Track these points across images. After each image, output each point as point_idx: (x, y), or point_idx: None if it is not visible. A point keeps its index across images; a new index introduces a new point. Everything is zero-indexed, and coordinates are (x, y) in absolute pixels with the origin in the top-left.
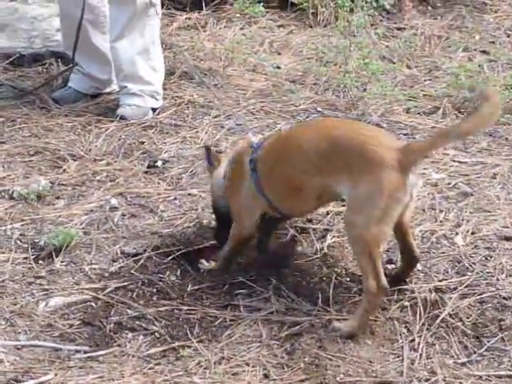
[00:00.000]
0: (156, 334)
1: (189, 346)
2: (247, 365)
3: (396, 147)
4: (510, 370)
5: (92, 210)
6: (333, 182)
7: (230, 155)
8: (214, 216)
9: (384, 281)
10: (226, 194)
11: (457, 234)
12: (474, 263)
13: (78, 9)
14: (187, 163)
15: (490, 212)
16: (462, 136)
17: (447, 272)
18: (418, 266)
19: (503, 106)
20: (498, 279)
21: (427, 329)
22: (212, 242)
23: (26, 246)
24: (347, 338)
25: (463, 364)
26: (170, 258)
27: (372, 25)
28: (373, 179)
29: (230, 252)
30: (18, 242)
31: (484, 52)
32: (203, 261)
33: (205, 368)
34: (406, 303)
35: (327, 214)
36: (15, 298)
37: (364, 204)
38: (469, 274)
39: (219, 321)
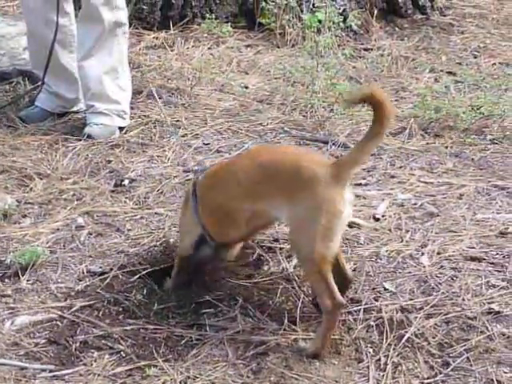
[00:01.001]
0: (122, 353)
1: (155, 366)
2: None
3: (328, 163)
4: None
5: (58, 229)
6: (268, 207)
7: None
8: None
9: (339, 297)
10: (179, 218)
11: (423, 254)
12: (439, 283)
13: (47, 28)
14: (154, 182)
15: (455, 232)
16: (380, 138)
17: (413, 292)
18: (385, 286)
19: (470, 126)
20: (463, 299)
21: (393, 348)
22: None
23: None
24: (312, 357)
25: None
26: (137, 276)
27: (339, 45)
28: (309, 196)
29: (175, 270)
30: None
31: (450, 73)
32: (168, 278)
33: None
34: (372, 323)
35: None
36: None
37: (305, 223)
38: (434, 293)
39: (185, 340)
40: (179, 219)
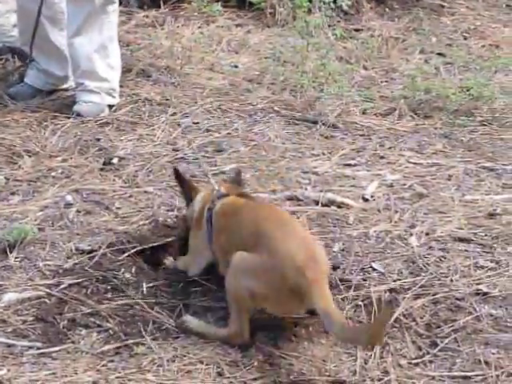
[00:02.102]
0: (110, 331)
1: (142, 344)
2: (201, 363)
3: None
4: (462, 371)
5: (47, 206)
6: None
7: (202, 194)
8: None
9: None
10: (191, 231)
11: (411, 234)
12: (428, 264)
13: (35, 4)
14: (143, 161)
15: (444, 213)
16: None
17: (401, 272)
18: (374, 266)
19: (459, 108)
20: (451, 280)
21: None
22: (168, 240)
23: None
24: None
25: (416, 364)
26: (125, 255)
27: (329, 26)
28: None
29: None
30: None
31: (440, 54)
32: (170, 258)
33: (158, 365)
34: (360, 303)
35: None
36: None
37: None
38: (423, 274)
39: (173, 319)
40: (190, 237)
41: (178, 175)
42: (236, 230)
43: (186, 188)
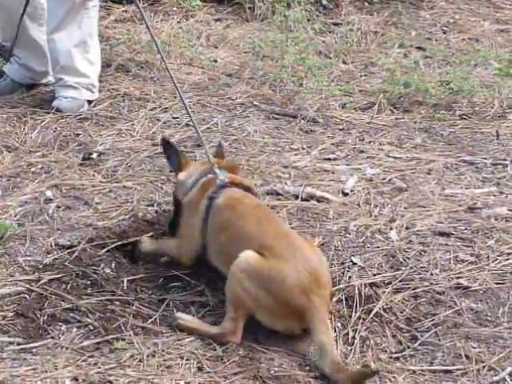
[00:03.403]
0: (90, 326)
1: (122, 339)
2: (181, 358)
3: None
4: (443, 365)
5: (27, 202)
6: None
7: (199, 171)
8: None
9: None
10: (184, 208)
11: (391, 228)
12: (408, 258)
13: (16, 1)
14: (123, 156)
15: (424, 207)
16: None
17: (381, 266)
18: (354, 260)
19: (439, 102)
20: (431, 274)
21: (361, 323)
22: (148, 235)
23: None
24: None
25: (397, 358)
26: (105, 250)
27: (309, 20)
28: None
29: (160, 252)
30: None
31: (420, 48)
32: (144, 237)
33: (138, 361)
34: (341, 297)
35: None
36: None
37: None
38: (403, 268)
39: (153, 314)
40: (182, 220)
41: (166, 142)
42: (240, 237)
43: (176, 154)
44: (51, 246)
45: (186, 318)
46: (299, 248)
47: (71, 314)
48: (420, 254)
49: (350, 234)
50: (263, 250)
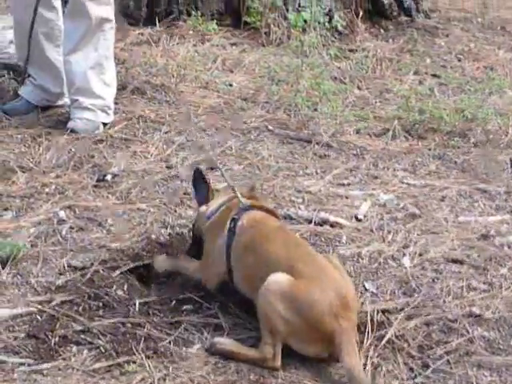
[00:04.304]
0: (101, 348)
1: (134, 362)
2: (192, 382)
3: None
4: None
5: (40, 223)
6: None
7: (223, 199)
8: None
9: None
10: (207, 233)
11: (404, 255)
12: (420, 285)
13: (29, 20)
14: (137, 178)
15: (437, 234)
16: None
17: (394, 293)
18: (366, 286)
19: (453, 129)
20: (444, 301)
21: (373, 349)
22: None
23: None
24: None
25: None
26: (118, 272)
27: (324, 45)
28: None
29: (177, 270)
30: None
31: (435, 75)
32: (158, 256)
33: None
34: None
35: None
36: None
37: None
38: (415, 295)
39: (165, 337)
40: (206, 245)
41: (200, 173)
42: (267, 259)
43: (206, 187)
44: (64, 267)
45: (224, 342)
46: (326, 270)
47: (82, 336)
48: (433, 280)
49: (362, 259)
50: (291, 272)
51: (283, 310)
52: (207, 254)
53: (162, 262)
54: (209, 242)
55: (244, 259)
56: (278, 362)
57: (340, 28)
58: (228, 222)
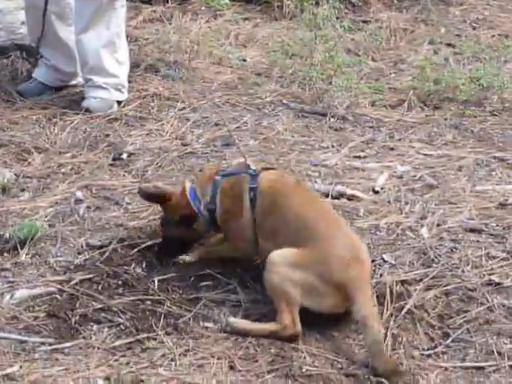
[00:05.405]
0: (121, 326)
1: (154, 338)
2: (213, 357)
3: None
4: (475, 362)
5: (57, 203)
6: None
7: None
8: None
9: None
10: (225, 216)
11: (422, 225)
12: (439, 255)
13: (43, 0)
14: (153, 156)
15: (455, 204)
16: None
17: (413, 264)
18: (385, 258)
19: (469, 98)
20: (463, 271)
21: (393, 320)
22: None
23: None
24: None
25: (429, 355)
26: (136, 250)
27: (337, 18)
28: None
29: (220, 255)
30: None
31: (449, 45)
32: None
33: (170, 360)
34: (373, 294)
35: None
36: None
37: None
38: (434, 265)
39: (185, 313)
40: (229, 224)
41: (146, 194)
42: (285, 219)
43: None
44: (82, 246)
45: (238, 321)
46: (338, 223)
47: (103, 314)
48: (451, 250)
49: (380, 231)
50: (306, 227)
51: (291, 273)
52: (235, 232)
53: (195, 254)
54: (231, 221)
55: (267, 224)
56: (299, 327)
57: (353, 0)
58: (247, 195)
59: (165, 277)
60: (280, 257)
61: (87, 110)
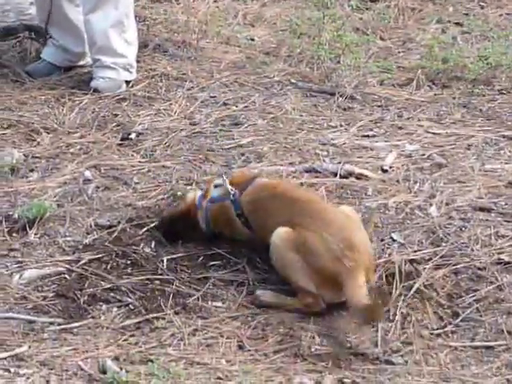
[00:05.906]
0: (130, 305)
1: (163, 318)
2: (221, 336)
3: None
4: (485, 341)
5: (66, 183)
6: None
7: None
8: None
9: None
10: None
11: (431, 204)
12: (448, 234)
13: None
14: (161, 135)
15: (464, 183)
16: None
17: (422, 243)
18: (394, 237)
19: (478, 77)
20: (472, 250)
21: (402, 299)
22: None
23: (0, 218)
24: (260, 306)
25: (438, 335)
26: (144, 229)
27: None
28: None
29: None
30: None
31: (458, 24)
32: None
33: (179, 339)
34: (381, 274)
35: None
36: None
37: None
38: (443, 244)
39: (193, 292)
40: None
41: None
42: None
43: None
44: (91, 226)
45: (267, 295)
46: (324, 216)
47: (111, 294)
48: (460, 229)
49: (389, 210)
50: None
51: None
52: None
53: None
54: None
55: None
56: (322, 304)
57: None
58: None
59: (173, 256)
60: (284, 236)
61: (96, 90)
